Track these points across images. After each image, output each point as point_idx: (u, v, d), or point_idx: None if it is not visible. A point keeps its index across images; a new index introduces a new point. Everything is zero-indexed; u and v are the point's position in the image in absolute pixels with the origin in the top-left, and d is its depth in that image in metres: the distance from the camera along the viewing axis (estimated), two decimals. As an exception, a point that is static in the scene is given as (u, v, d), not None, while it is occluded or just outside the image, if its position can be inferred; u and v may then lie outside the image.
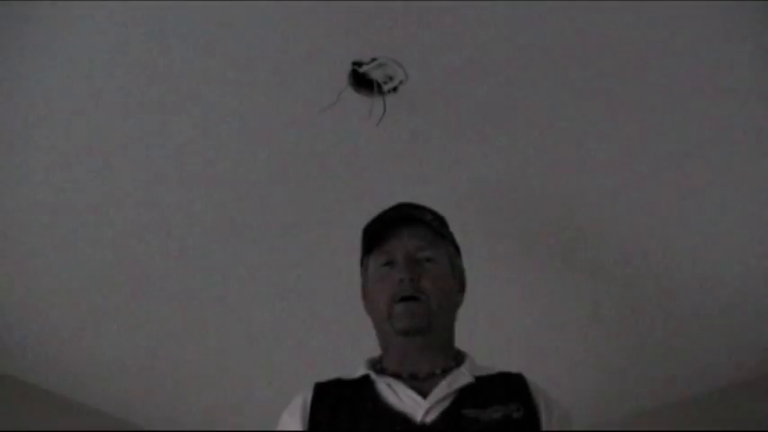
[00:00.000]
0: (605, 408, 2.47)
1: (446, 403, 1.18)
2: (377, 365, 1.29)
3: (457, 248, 1.39)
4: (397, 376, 1.24)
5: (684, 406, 2.40)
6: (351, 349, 2.10)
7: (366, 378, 1.25)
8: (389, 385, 1.22)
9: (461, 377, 1.22)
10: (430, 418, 1.16)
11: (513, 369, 1.28)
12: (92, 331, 2.15)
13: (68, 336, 2.16)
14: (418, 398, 1.18)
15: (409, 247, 1.29)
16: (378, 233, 1.32)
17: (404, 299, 1.24)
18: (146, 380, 2.38)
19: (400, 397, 1.20)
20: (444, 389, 1.19)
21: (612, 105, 1.53)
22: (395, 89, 1.49)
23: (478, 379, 1.22)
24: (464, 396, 1.19)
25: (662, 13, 1.35)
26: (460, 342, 1.34)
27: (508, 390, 1.21)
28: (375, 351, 1.34)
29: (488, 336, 2.12)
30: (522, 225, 1.82)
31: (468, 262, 1.43)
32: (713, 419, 2.30)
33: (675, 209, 1.76)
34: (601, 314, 2.08)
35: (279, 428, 1.24)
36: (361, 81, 1.48)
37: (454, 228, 1.44)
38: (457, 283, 1.34)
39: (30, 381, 2.35)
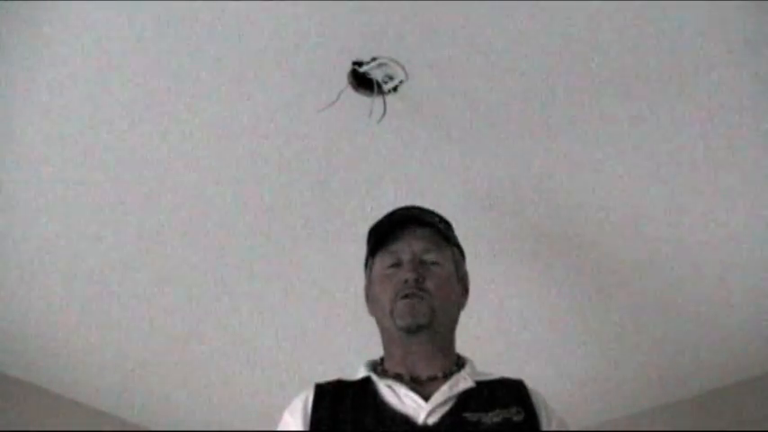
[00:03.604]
0: (605, 408, 2.47)
1: (447, 406, 1.18)
2: (377, 367, 1.29)
3: (462, 253, 1.39)
4: (398, 378, 1.24)
5: (684, 406, 2.40)
6: (352, 350, 2.11)
7: (367, 380, 1.25)
8: (390, 387, 1.22)
9: (462, 381, 1.23)
10: (432, 421, 1.16)
11: (515, 369, 1.29)
12: (92, 331, 2.15)
13: (68, 336, 2.16)
14: (420, 400, 1.19)
15: (415, 249, 1.30)
16: (384, 234, 1.33)
17: (407, 296, 1.25)
18: (146, 380, 2.38)
19: (402, 399, 1.20)
20: (446, 392, 1.20)
21: (616, 107, 1.53)
22: (395, 89, 1.49)
23: (479, 384, 1.23)
24: (465, 400, 1.20)
25: (664, 14, 1.35)
26: (463, 343, 1.34)
27: (508, 394, 1.22)
28: (376, 352, 1.35)
29: (491, 336, 2.13)
30: (523, 226, 1.82)
31: (468, 262, 1.43)
32: (713, 419, 2.30)
33: (678, 211, 1.76)
34: (602, 314, 2.08)
35: (280, 428, 1.25)
36: (361, 81, 1.48)
37: (454, 228, 1.44)
38: (461, 287, 1.35)
39: (30, 381, 2.35)
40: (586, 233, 1.84)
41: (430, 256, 1.30)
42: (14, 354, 2.22)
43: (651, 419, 2.45)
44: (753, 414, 2.24)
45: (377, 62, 1.43)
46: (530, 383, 1.27)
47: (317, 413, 1.21)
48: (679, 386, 2.36)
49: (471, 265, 1.44)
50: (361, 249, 1.41)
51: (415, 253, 1.30)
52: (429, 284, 1.26)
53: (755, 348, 2.18)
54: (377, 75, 1.46)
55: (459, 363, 1.29)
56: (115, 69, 1.46)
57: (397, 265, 1.30)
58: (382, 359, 1.32)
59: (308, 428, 1.20)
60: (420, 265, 1.29)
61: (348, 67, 1.46)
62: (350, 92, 1.50)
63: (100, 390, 2.42)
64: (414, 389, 1.21)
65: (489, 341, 2.13)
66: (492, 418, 1.16)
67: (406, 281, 1.26)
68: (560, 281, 1.97)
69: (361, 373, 1.28)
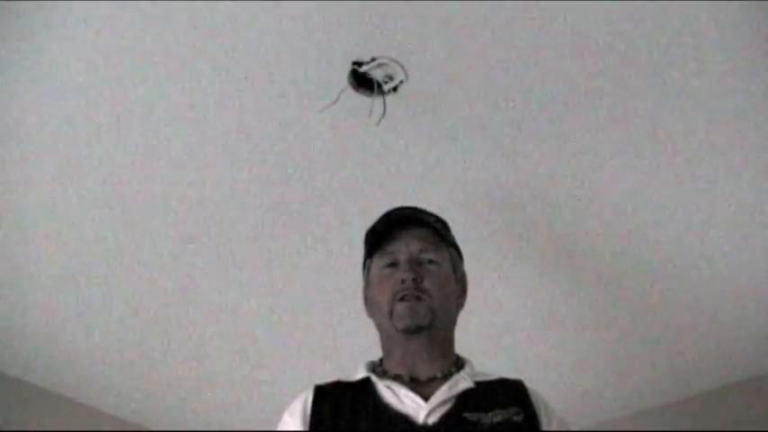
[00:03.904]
0: (605, 408, 2.47)
1: (447, 407, 1.18)
2: (377, 368, 1.29)
3: (459, 253, 1.39)
4: (397, 379, 1.24)
5: (684, 406, 2.40)
6: (350, 350, 2.11)
7: (367, 380, 1.25)
8: (390, 388, 1.22)
9: (462, 382, 1.22)
10: (431, 421, 1.16)
11: (514, 369, 1.29)
12: (92, 330, 2.15)
13: (68, 335, 2.16)
14: (419, 400, 1.18)
15: (412, 249, 1.30)
16: (381, 235, 1.33)
17: (405, 297, 1.25)
18: (146, 380, 2.37)
19: (401, 399, 1.20)
20: (445, 392, 1.20)
21: (615, 107, 1.53)
22: (395, 89, 1.49)
23: (479, 384, 1.23)
24: (465, 400, 1.19)
25: (665, 14, 1.35)
26: (461, 342, 1.34)
27: (508, 395, 1.22)
28: (375, 352, 1.34)
29: (489, 337, 2.12)
30: (523, 226, 1.82)
31: (467, 262, 1.43)
32: (713, 419, 2.30)
33: (678, 211, 1.76)
34: (601, 314, 2.08)
35: (279, 429, 1.24)
36: (361, 81, 1.48)
37: (454, 228, 1.44)
38: (459, 287, 1.35)
39: (30, 381, 2.35)
40: (586, 233, 1.84)
41: (427, 256, 1.30)
42: (14, 354, 2.22)
43: (651, 419, 2.45)
44: (753, 414, 2.24)
45: (377, 62, 1.43)
46: (529, 384, 1.27)
47: (316, 414, 1.21)
48: (679, 386, 2.36)
49: (470, 266, 1.44)
50: (361, 249, 1.41)
51: (411, 253, 1.29)
52: (427, 284, 1.26)
53: (755, 348, 2.19)
54: (377, 75, 1.46)
55: (459, 363, 1.29)
56: (115, 70, 1.46)
57: (394, 265, 1.30)
58: (381, 360, 1.31)
59: (307, 429, 1.19)
60: (417, 264, 1.28)
61: (348, 67, 1.46)
62: (350, 92, 1.50)
63: (100, 390, 2.41)
64: (413, 389, 1.21)
65: (488, 341, 2.13)
66: (492, 418, 1.16)
67: (403, 281, 1.26)
68: (560, 281, 1.97)
69: (360, 373, 1.28)
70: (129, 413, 2.56)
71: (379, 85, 1.47)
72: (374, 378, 1.24)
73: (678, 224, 1.80)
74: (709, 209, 1.75)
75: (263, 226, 1.82)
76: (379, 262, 1.32)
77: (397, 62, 1.44)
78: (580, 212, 1.78)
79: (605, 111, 1.54)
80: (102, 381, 2.37)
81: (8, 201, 1.73)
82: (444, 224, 1.39)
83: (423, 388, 1.22)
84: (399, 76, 1.47)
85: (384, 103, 1.50)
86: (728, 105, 1.52)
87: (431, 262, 1.30)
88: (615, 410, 2.49)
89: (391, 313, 1.26)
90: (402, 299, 1.25)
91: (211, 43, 1.42)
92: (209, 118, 1.57)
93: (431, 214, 1.37)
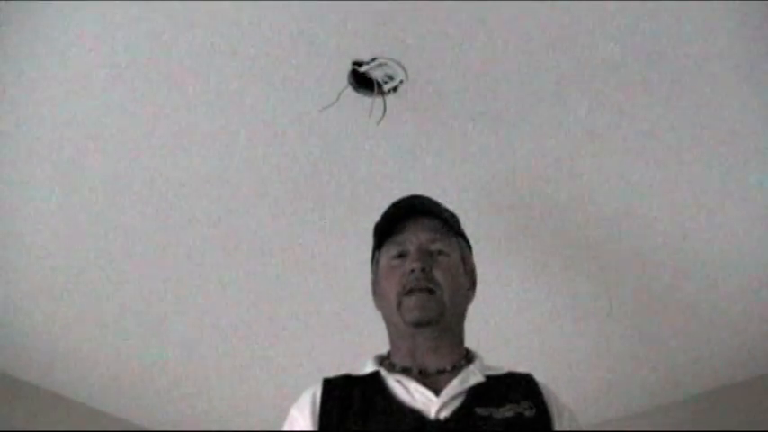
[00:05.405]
0: (605, 408, 2.47)
1: (458, 401, 1.17)
2: (385, 362, 1.27)
3: (468, 245, 1.38)
4: (406, 372, 1.23)
5: (684, 406, 2.40)
6: (353, 348, 2.11)
7: (376, 374, 1.23)
8: (400, 382, 1.20)
9: (472, 376, 1.21)
10: (443, 415, 1.14)
11: (517, 367, 1.28)
12: (92, 331, 2.15)
13: (68, 336, 2.16)
14: (430, 395, 1.17)
15: (422, 239, 1.28)
16: (390, 226, 1.31)
17: (415, 290, 1.23)
18: (146, 380, 2.38)
19: (412, 393, 1.18)
20: (456, 387, 1.18)
21: (618, 102, 1.53)
22: (395, 89, 1.49)
23: (489, 378, 1.21)
24: (475, 394, 1.18)
25: (665, 12, 1.35)
26: (467, 338, 1.33)
27: (519, 389, 1.21)
28: (377, 351, 1.34)
29: (491, 333, 2.12)
30: (524, 224, 1.82)
31: (471, 261, 1.43)
32: (713, 419, 2.30)
33: (680, 209, 1.76)
34: (601, 315, 2.08)
35: (286, 425, 1.22)
36: (361, 81, 1.48)
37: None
38: (468, 280, 1.33)
39: (30, 381, 2.35)
40: (586, 232, 1.84)
41: (436, 246, 1.28)
42: (14, 354, 2.22)
43: (651, 419, 2.45)
44: (753, 414, 2.24)
45: (377, 62, 1.43)
46: (538, 377, 1.26)
47: (325, 409, 1.18)
48: (679, 386, 2.36)
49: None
50: (361, 248, 1.41)
51: (421, 243, 1.27)
52: (436, 275, 1.24)
53: (755, 348, 2.18)
54: (377, 75, 1.46)
55: (469, 356, 1.27)
56: (116, 70, 1.46)
57: (403, 255, 1.28)
58: (389, 353, 1.29)
59: (316, 425, 1.17)
60: (427, 254, 1.26)
61: (348, 67, 1.46)
62: (350, 92, 1.50)
63: (100, 390, 2.42)
64: (423, 383, 1.19)
65: (486, 340, 2.13)
66: (503, 413, 1.15)
67: (412, 270, 1.24)
68: (559, 280, 1.97)
69: (368, 367, 1.26)
70: (129, 413, 2.56)
71: (379, 85, 1.47)
72: (383, 372, 1.23)
73: (681, 223, 1.79)
74: (711, 207, 1.75)
75: (262, 225, 1.82)
76: (387, 253, 1.30)
77: (397, 62, 1.44)
78: (581, 210, 1.78)
79: (607, 106, 1.54)
80: (102, 381, 2.37)
81: (9, 201, 1.73)
82: (454, 216, 1.37)
83: (432, 381, 1.20)
84: (399, 76, 1.46)
85: (384, 103, 1.50)
86: (731, 100, 1.51)
87: (440, 253, 1.28)
88: (615, 410, 2.49)
89: (400, 305, 1.24)
90: (411, 291, 1.23)
91: (212, 44, 1.42)
92: (209, 119, 1.57)
93: (440, 205, 1.35)
